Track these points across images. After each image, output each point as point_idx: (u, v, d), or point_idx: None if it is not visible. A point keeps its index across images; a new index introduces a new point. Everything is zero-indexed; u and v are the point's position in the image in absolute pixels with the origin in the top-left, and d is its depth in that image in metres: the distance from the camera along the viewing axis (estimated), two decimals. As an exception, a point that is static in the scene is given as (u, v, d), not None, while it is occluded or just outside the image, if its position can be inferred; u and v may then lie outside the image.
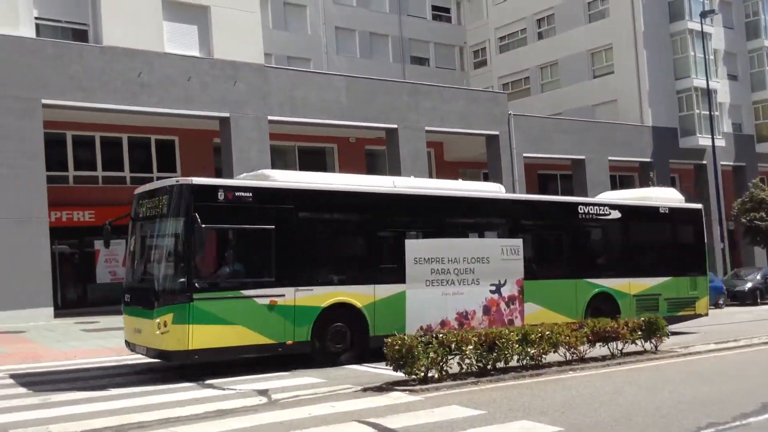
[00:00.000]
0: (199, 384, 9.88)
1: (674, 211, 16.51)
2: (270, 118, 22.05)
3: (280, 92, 22.38)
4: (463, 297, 12.66)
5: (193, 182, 10.69)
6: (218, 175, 22.39)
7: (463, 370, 9.35)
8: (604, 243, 15.79)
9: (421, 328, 11.85)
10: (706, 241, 17.57)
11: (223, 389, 9.39)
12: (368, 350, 11.54)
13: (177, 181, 10.77)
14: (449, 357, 9.16)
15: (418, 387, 8.72)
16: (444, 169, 28.34)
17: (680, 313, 15.99)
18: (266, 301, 10.84)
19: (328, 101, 23.15)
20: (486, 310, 12.93)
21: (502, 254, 13.25)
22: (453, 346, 9.14)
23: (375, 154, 27.10)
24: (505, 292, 13.21)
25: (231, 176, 20.82)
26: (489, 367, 9.53)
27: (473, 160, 29.21)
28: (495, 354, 9.49)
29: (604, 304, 14.45)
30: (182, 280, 10.17)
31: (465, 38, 43.51)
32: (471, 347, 9.21)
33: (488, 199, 14.10)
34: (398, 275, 12.10)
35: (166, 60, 20.42)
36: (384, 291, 11.94)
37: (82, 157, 22.08)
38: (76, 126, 21.24)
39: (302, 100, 22.69)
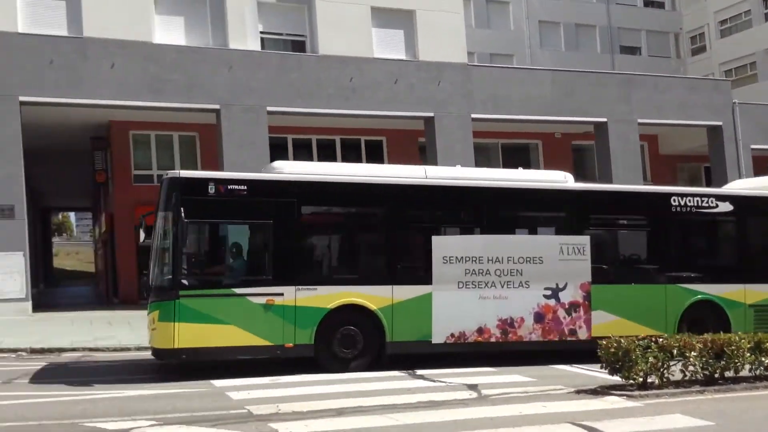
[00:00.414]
0: (410, 374, 10.19)
1: None
2: (473, 116, 22.21)
3: (483, 90, 22.44)
4: (508, 302, 11.18)
5: (181, 175, 10.41)
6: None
7: (686, 378, 8.70)
8: (708, 241, 13.37)
9: (452, 335, 10.91)
10: None
11: (434, 381, 9.59)
12: (385, 357, 10.67)
13: (166, 174, 10.40)
14: (670, 363, 8.57)
15: (636, 392, 8.26)
16: (659, 163, 26.67)
17: None
18: (262, 300, 10.15)
19: (532, 97, 22.78)
20: (538, 317, 11.32)
21: (561, 254, 11.48)
22: (675, 351, 8.54)
23: (583, 150, 26.21)
24: (565, 297, 11.46)
25: (437, 175, 21.41)
26: (716, 375, 8.78)
27: (692, 153, 27.15)
28: (723, 362, 8.71)
29: (707, 316, 12.09)
30: (168, 277, 9.94)
31: (681, 24, 40.59)
32: (695, 353, 8.54)
33: (543, 190, 12.11)
34: (423, 275, 10.95)
35: (375, 65, 21.35)
36: (405, 292, 10.78)
37: (301, 159, 23.74)
38: (296, 130, 22.89)
39: (505, 97, 22.55)
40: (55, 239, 76.34)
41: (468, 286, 10.99)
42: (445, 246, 11.10)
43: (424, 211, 11.64)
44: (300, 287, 10.25)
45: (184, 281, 9.86)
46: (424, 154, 23.05)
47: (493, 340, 11.11)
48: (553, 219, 12.31)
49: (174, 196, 10.03)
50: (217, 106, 19.45)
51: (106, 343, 13.37)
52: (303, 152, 23.71)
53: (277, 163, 11.55)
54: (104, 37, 18.29)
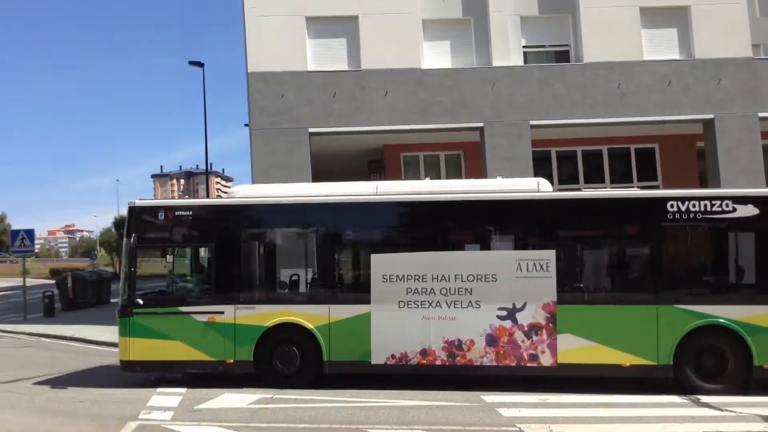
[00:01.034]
0: (692, 401, 9.43)
1: None
2: (761, 114, 19.89)
3: (771, 85, 20.04)
4: (455, 323, 10.56)
5: (136, 203, 11.43)
6: (702, 180, 21.13)
7: None
8: (721, 253, 10.87)
9: (393, 357, 10.63)
10: None
11: (721, 410, 8.79)
12: (323, 375, 10.84)
13: (128, 203, 11.49)
14: None
15: None
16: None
17: None
18: (204, 318, 10.93)
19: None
20: (491, 340, 10.50)
21: (519, 270, 10.47)
22: None
23: None
24: (524, 319, 10.44)
25: (717, 182, 19.53)
26: None
27: None
28: None
29: (724, 344, 10.01)
30: (125, 296, 11.17)
31: None
32: None
33: (498, 200, 11.04)
34: (362, 294, 10.79)
35: (645, 67, 20.15)
36: (342, 312, 10.80)
37: (565, 172, 23.25)
38: (560, 142, 22.44)
39: (801, 91, 19.86)
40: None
41: (410, 306, 10.69)
42: (384, 264, 10.85)
43: (362, 229, 11.40)
44: (239, 306, 10.95)
45: (138, 300, 11.19)
46: (703, 160, 21.17)
47: (438, 363, 10.66)
48: (511, 232, 11.17)
49: (131, 222, 11.42)
50: (480, 124, 19.86)
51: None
52: (567, 164, 23.16)
53: (235, 188, 12.46)
54: (379, 68, 19.76)
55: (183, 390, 10.90)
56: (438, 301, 10.72)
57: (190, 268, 12.04)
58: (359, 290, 11.10)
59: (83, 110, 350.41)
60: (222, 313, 11.10)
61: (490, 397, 9.84)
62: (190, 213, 11.64)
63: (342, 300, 11.11)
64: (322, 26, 20.13)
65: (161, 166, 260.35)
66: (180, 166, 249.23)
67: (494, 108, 19.85)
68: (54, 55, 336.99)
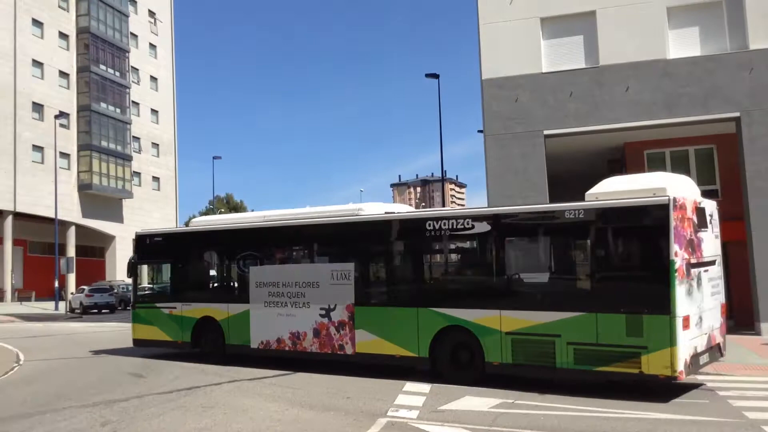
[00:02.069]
0: None
1: (609, 213, 10.94)
2: None
3: None
4: (296, 319, 13.98)
5: (137, 233, 17.42)
6: None
7: None
8: (462, 264, 13.23)
9: (262, 342, 14.50)
10: (674, 256, 10.03)
11: None
12: (225, 354, 15.07)
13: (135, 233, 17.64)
14: None
15: None
16: None
17: (604, 369, 10.56)
18: (167, 311, 16.23)
19: None
20: (316, 333, 13.71)
21: (332, 279, 13.51)
22: None
23: None
24: (335, 317, 13.45)
25: None
26: None
27: None
28: None
29: (466, 340, 11.93)
30: (132, 296, 17.92)
31: None
32: None
33: (315, 225, 14.29)
34: (245, 296, 14.89)
35: None
36: (235, 309, 15.03)
37: None
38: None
39: None
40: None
41: (270, 305, 14.45)
42: (256, 274, 14.83)
43: (246, 248, 15.21)
44: (183, 304, 15.98)
45: (138, 298, 17.22)
46: None
47: (287, 348, 14.16)
48: (328, 249, 14.33)
49: (134, 245, 17.16)
50: (736, 114, 18.03)
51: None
52: None
53: (194, 219, 18.46)
54: (619, 63, 18.82)
55: (426, 390, 11.24)
56: (286, 302, 14.24)
57: (161, 278, 17.37)
58: (243, 293, 15.01)
59: (334, 133, 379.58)
60: (175, 308, 16.14)
61: (754, 414, 8.87)
62: (160, 239, 17.25)
63: (234, 300, 15.17)
64: (557, 26, 19.68)
65: (399, 176, 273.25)
66: (416, 175, 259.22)
67: (752, 95, 17.92)
68: (311, 91, 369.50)
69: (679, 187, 11.10)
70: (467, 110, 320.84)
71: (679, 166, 20.37)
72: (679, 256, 10.20)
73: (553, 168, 20.56)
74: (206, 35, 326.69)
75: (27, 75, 51.47)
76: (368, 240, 13.68)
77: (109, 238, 60.10)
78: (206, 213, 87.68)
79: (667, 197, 10.35)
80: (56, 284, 43.09)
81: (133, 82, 62.61)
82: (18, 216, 50.26)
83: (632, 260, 11.07)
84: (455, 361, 12.07)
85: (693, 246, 10.74)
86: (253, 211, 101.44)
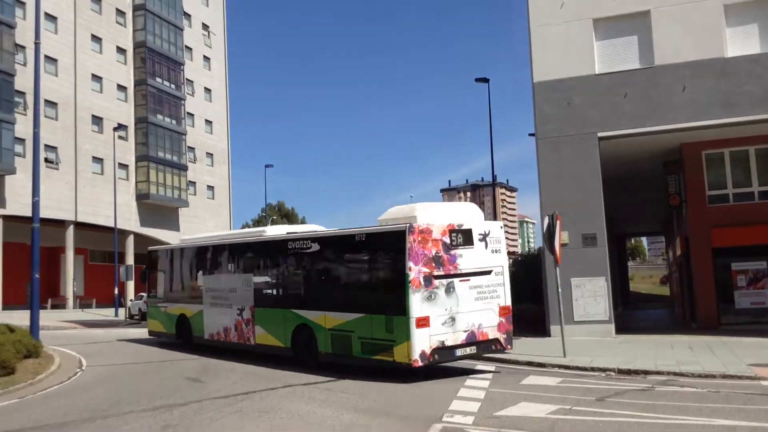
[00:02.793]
0: None
1: (373, 237, 14.19)
2: None
3: None
4: (226, 317, 18.10)
5: (149, 249, 22.91)
6: None
7: None
8: (305, 275, 16.00)
9: (211, 335, 18.77)
10: (408, 271, 12.85)
11: None
12: (192, 343, 19.54)
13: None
14: None
15: None
16: None
17: (376, 357, 13.60)
18: (162, 309, 21.25)
19: None
20: (235, 327, 17.75)
21: (243, 286, 17.58)
22: None
23: None
24: (245, 315, 17.41)
25: None
26: None
27: None
28: None
29: (309, 335, 15.21)
30: (146, 296, 25.55)
31: None
32: None
33: (234, 243, 18.68)
34: (200, 299, 19.30)
35: None
36: (195, 308, 19.47)
37: None
38: None
39: None
40: (630, 263, 79.23)
41: (213, 306, 18.71)
42: (206, 281, 19.26)
43: (202, 261, 19.70)
44: (170, 304, 20.88)
45: (150, 299, 22.47)
46: None
47: (222, 340, 18.24)
48: (242, 262, 17.98)
49: (147, 258, 22.99)
50: (799, 112, 17.43)
51: (690, 368, 13.13)
52: None
53: (181, 238, 24.11)
54: (674, 62, 18.41)
55: (481, 396, 11.14)
56: (221, 304, 18.33)
57: (161, 283, 21.77)
58: (199, 296, 19.37)
59: (385, 139, 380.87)
60: (166, 307, 21.11)
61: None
62: (158, 254, 22.16)
63: (195, 302, 19.52)
64: (610, 26, 19.37)
65: (449, 181, 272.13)
66: (467, 180, 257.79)
67: (818, 93, 17.26)
68: (362, 97, 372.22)
69: (433, 216, 13.68)
70: (517, 113, 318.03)
71: (739, 166, 19.82)
72: (413, 270, 12.86)
73: (608, 171, 20.20)
74: (258, 45, 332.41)
75: (87, 89, 53.20)
76: (259, 256, 17.60)
77: (165, 247, 61.45)
78: (259, 221, 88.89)
79: (405, 225, 13.21)
80: (116, 291, 44.31)
81: (187, 93, 64.07)
82: (79, 225, 51.88)
83: (387, 273, 13.79)
84: (307, 351, 15.22)
85: (439, 262, 13.22)
86: (303, 218, 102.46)
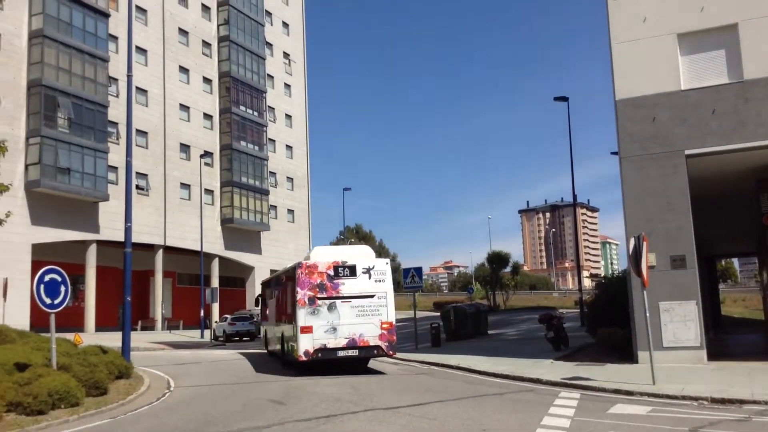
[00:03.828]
0: None
1: (287, 272, 21.75)
2: None
3: None
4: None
5: (263, 281, 28.70)
6: None
7: None
8: (275, 301, 23.68)
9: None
10: (297, 294, 19.01)
11: None
12: (283, 359, 22.27)
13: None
14: None
15: None
16: None
17: (292, 354, 19.23)
18: (271, 330, 24.90)
19: None
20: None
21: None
22: None
23: None
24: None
25: None
26: None
27: None
28: None
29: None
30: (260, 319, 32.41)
31: None
32: None
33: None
34: (280, 319, 22.91)
35: None
36: (285, 327, 21.53)
37: None
38: None
39: None
40: (721, 286, 75.67)
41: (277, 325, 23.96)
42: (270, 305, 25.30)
43: (272, 289, 25.21)
44: (274, 325, 24.03)
45: (264, 321, 28.02)
46: None
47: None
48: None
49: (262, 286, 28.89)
50: None
51: (795, 399, 12.35)
52: None
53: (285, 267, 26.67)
54: (766, 76, 17.60)
55: (566, 425, 10.81)
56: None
57: (270, 306, 24.75)
58: (278, 317, 23.09)
59: (463, 157, 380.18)
60: (273, 327, 23.70)
61: None
62: (266, 281, 26.80)
63: (280, 322, 22.32)
64: (695, 41, 18.74)
65: (527, 201, 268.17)
66: (545, 200, 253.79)
67: None
68: (442, 115, 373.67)
69: (325, 255, 19.28)
70: (595, 131, 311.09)
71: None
72: (300, 293, 18.47)
73: (696, 189, 19.44)
74: (335, 70, 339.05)
75: (175, 118, 55.54)
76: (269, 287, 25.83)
77: (248, 269, 63.05)
78: (336, 243, 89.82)
79: (298, 262, 19.25)
80: (202, 313, 45.68)
81: (269, 120, 65.91)
82: (167, 249, 53.93)
83: (290, 296, 19.69)
84: (282, 352, 21.59)
85: (322, 288, 18.50)
86: (381, 240, 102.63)
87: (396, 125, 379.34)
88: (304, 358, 18.06)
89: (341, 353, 18.24)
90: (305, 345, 18.05)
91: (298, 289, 18.37)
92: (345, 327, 18.24)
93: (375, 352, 18.61)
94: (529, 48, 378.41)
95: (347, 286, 18.50)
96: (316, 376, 18.12)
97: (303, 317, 18.17)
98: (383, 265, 19.02)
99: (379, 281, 18.71)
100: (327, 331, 18.16)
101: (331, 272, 18.56)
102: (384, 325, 18.48)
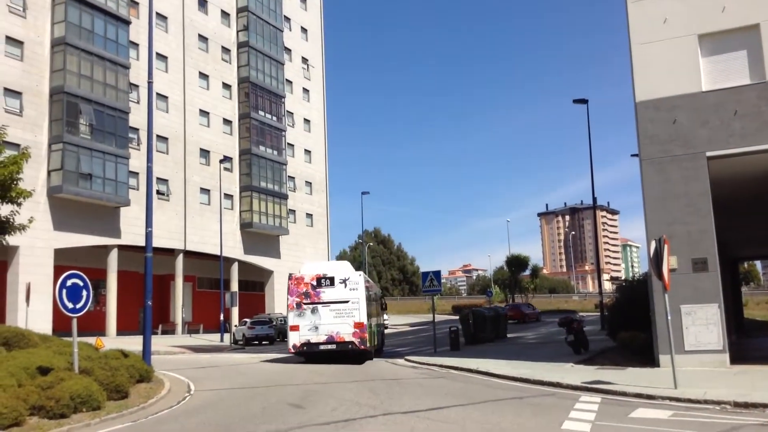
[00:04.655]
0: None
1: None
2: None
3: None
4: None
5: (292, 274, 27.04)
6: None
7: None
8: None
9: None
10: (287, 299, 24.72)
11: None
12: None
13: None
14: None
15: None
16: None
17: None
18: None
19: None
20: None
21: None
22: None
23: None
24: None
25: None
26: None
27: None
28: None
29: None
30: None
31: None
32: None
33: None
34: None
35: None
36: None
37: None
38: None
39: None
40: (743, 289, 74.69)
41: None
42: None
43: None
44: None
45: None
46: None
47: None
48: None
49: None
50: None
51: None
52: None
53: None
54: (791, 76, 17.41)
55: (587, 429, 10.72)
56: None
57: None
58: None
59: (480, 161, 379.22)
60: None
61: None
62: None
63: None
64: (716, 42, 18.56)
65: (546, 204, 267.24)
66: (565, 203, 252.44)
67: None
68: (459, 117, 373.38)
69: (312, 269, 24.04)
70: (616, 133, 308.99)
71: None
72: (290, 299, 23.48)
73: (718, 192, 19.23)
74: (354, 74, 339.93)
75: (195, 124, 55.99)
76: None
77: (267, 273, 63.32)
78: (355, 247, 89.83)
79: (291, 273, 23.88)
80: (221, 317, 45.94)
81: (288, 125, 66.23)
82: (188, 254, 54.33)
83: (286, 301, 24.07)
84: None
85: (307, 295, 23.15)
86: (400, 244, 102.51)
87: (414, 130, 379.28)
88: (292, 351, 23.31)
89: (322, 347, 22.89)
90: (293, 340, 23.15)
91: (288, 297, 23.60)
92: (325, 326, 22.87)
93: (349, 347, 22.79)
94: (549, 49, 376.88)
95: (327, 293, 23.07)
96: (333, 382, 18.11)
97: (291, 318, 23.36)
98: (357, 277, 23.29)
99: (353, 290, 23.03)
100: (310, 329, 22.91)
101: (315, 282, 23.25)
102: (356, 325, 22.80)
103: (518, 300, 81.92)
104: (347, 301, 22.94)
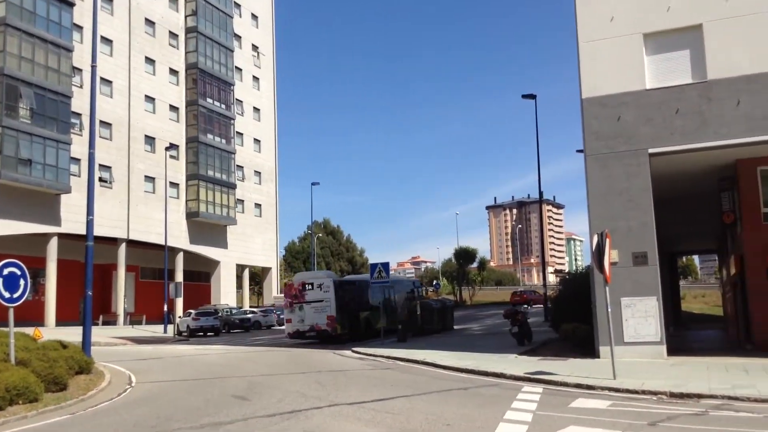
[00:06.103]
0: None
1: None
2: None
3: None
4: None
5: (289, 280, 38.87)
6: None
7: None
8: None
9: None
10: (284, 299, 33.85)
11: None
12: None
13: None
14: None
15: None
16: None
17: None
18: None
19: None
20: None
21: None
22: None
23: None
24: None
25: None
26: None
27: None
28: None
29: None
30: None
31: None
32: None
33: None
34: None
35: None
36: None
37: None
38: None
39: None
40: (681, 282, 77.13)
41: None
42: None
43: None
44: None
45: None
46: None
47: None
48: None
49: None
50: None
51: (746, 392, 12.61)
52: None
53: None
54: (728, 77, 17.94)
55: (528, 419, 10.89)
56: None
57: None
58: None
59: (431, 155, 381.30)
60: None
61: None
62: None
63: None
64: (661, 41, 19.01)
65: (495, 198, 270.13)
66: (512, 197, 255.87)
67: None
68: (410, 109, 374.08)
69: (302, 277, 31.64)
70: (563, 128, 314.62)
71: (798, 183, 19.14)
72: (285, 300, 31.55)
73: (660, 188, 19.75)
74: (305, 64, 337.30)
75: (140, 110, 54.72)
76: None
77: (214, 263, 62.47)
78: (305, 238, 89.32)
79: (285, 281, 40.30)
80: (165, 308, 45.14)
81: (237, 113, 65.29)
82: (131, 243, 53.18)
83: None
84: None
85: (296, 296, 30.21)
86: (349, 235, 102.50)
87: (365, 121, 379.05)
88: (288, 338, 30.88)
89: (307, 334, 29.96)
90: (288, 329, 30.86)
91: (284, 297, 32.15)
92: (308, 319, 29.78)
93: (325, 333, 29.45)
94: (498, 47, 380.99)
95: (309, 295, 29.97)
96: (279, 374, 17.97)
97: (286, 313, 31.20)
98: (329, 282, 29.95)
99: (326, 291, 29.72)
100: (298, 321, 30.10)
101: (301, 287, 30.33)
102: (329, 317, 29.34)
103: (464, 292, 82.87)
104: (322, 300, 29.54)
